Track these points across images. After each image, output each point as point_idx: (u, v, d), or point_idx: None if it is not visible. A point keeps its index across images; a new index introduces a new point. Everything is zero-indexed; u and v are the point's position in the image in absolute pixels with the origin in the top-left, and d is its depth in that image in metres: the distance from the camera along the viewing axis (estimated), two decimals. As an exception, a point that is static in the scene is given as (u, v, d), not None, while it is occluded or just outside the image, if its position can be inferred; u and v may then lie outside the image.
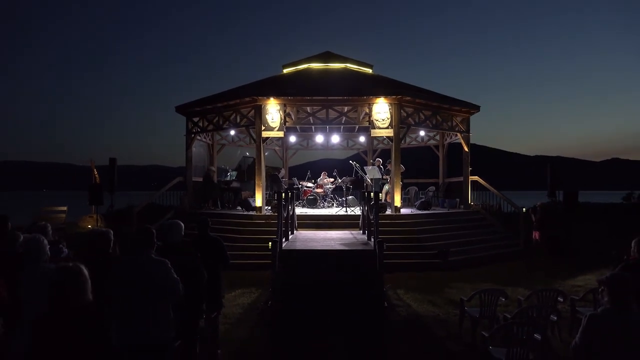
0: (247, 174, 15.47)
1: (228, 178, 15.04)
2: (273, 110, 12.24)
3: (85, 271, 2.73)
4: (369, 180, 13.18)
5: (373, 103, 12.26)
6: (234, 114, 13.35)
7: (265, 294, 7.93)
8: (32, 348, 2.58)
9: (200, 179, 14.82)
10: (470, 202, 14.48)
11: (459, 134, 14.55)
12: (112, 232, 4.29)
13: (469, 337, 5.74)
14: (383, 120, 12.20)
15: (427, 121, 13.36)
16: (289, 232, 8.71)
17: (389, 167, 13.36)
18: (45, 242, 3.59)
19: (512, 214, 14.06)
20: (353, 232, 10.00)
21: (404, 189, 14.14)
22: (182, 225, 4.51)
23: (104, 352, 2.62)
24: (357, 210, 12.28)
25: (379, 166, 13.39)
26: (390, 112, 12.20)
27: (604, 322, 2.89)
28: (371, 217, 7.85)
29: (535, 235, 11.89)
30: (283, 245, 7.24)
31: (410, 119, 12.87)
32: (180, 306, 3.67)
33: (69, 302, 2.61)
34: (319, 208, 13.99)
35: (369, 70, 16.52)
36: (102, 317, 2.70)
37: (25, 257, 3.57)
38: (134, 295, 3.36)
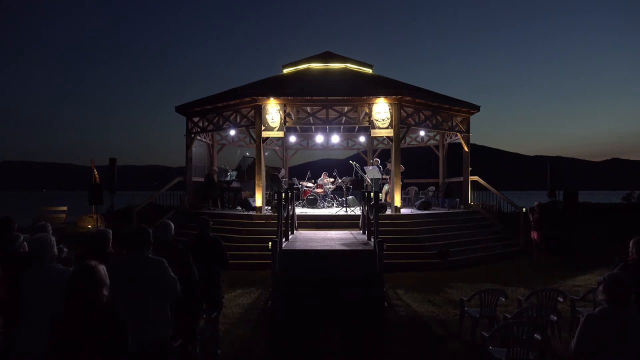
0: (247, 174, 15.48)
1: (228, 178, 15.05)
2: (273, 110, 12.24)
3: (102, 270, 2.74)
4: (369, 180, 13.18)
5: (373, 103, 12.27)
6: (234, 114, 13.36)
7: (265, 294, 7.94)
8: (50, 347, 2.58)
9: (201, 179, 14.84)
10: (470, 202, 14.48)
11: (459, 134, 14.55)
12: (111, 231, 4.30)
13: (469, 337, 5.74)
14: (383, 120, 12.20)
15: (427, 121, 13.37)
16: (289, 232, 8.71)
17: (388, 167, 13.36)
18: (53, 241, 3.57)
19: (512, 214, 14.07)
20: (353, 232, 10.01)
21: (404, 189, 14.14)
22: (172, 225, 4.58)
23: (125, 349, 2.63)
24: (357, 210, 12.28)
25: (377, 165, 13.40)
26: (390, 112, 12.20)
27: (601, 322, 2.89)
28: (371, 217, 7.85)
29: (534, 235, 11.90)
30: (283, 245, 7.25)
31: (410, 119, 12.88)
32: (174, 305, 3.67)
33: (87, 300, 2.61)
34: (319, 208, 13.99)
35: (369, 70, 16.53)
36: (121, 315, 2.71)
37: (28, 256, 3.56)
38: (131, 294, 3.36)
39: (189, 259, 4.28)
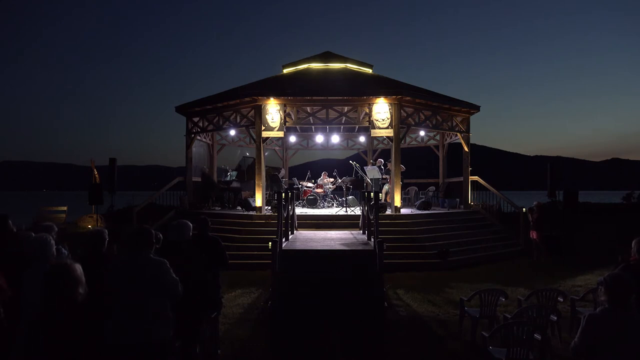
0: (247, 174, 15.49)
1: (228, 178, 15.05)
2: (273, 110, 12.24)
3: (78, 269, 2.74)
4: (369, 180, 13.18)
5: (373, 103, 12.27)
6: (234, 114, 13.36)
7: (265, 294, 7.94)
8: (28, 346, 2.59)
9: (200, 179, 14.87)
10: (470, 202, 14.48)
11: (459, 134, 14.55)
12: (106, 231, 4.31)
13: (469, 337, 5.74)
14: (383, 120, 12.20)
15: (427, 121, 13.37)
16: (289, 232, 8.71)
17: (389, 167, 13.36)
18: (52, 241, 3.57)
19: (512, 214, 14.06)
20: (353, 232, 10.00)
21: (404, 189, 14.14)
22: (190, 225, 4.70)
23: (96, 349, 2.63)
24: (357, 210, 12.28)
25: (379, 166, 13.40)
26: (390, 112, 12.20)
27: (603, 323, 2.89)
28: (371, 217, 7.85)
29: (533, 235, 11.90)
30: (283, 245, 7.24)
31: (410, 119, 12.88)
32: (179, 306, 3.67)
33: (61, 300, 2.62)
34: (319, 208, 13.99)
35: (369, 70, 16.53)
36: (95, 315, 2.71)
37: (29, 256, 3.57)
38: (131, 294, 3.36)
39: (197, 263, 4.29)
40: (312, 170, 16.07)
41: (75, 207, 21.81)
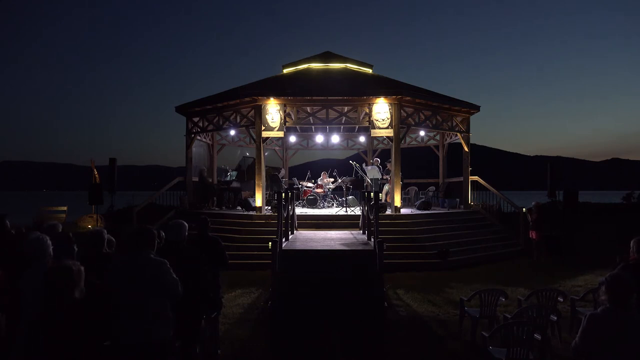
0: (247, 174, 15.49)
1: (228, 178, 15.05)
2: (273, 110, 12.24)
3: (78, 269, 2.75)
4: (369, 180, 13.18)
5: (373, 103, 12.26)
6: (234, 114, 13.36)
7: (265, 294, 7.94)
8: (28, 346, 2.59)
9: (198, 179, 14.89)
10: (470, 202, 14.48)
11: (459, 134, 14.55)
12: (105, 231, 4.31)
13: (469, 337, 5.74)
14: (383, 120, 12.20)
15: (427, 121, 13.37)
16: (289, 232, 8.71)
17: (388, 167, 13.35)
18: (49, 242, 3.57)
19: (512, 214, 14.06)
20: (353, 232, 10.00)
21: (404, 189, 14.13)
22: (186, 225, 4.63)
23: (96, 349, 2.64)
24: (357, 210, 12.28)
25: (377, 165, 13.39)
26: (390, 112, 12.20)
27: (604, 322, 2.89)
28: (371, 217, 7.85)
29: (532, 235, 11.90)
30: (283, 245, 7.24)
31: (410, 119, 12.87)
32: (179, 306, 3.67)
33: (61, 300, 2.63)
34: (319, 208, 13.98)
35: (369, 70, 16.53)
36: (95, 315, 2.71)
37: (28, 256, 3.57)
38: (131, 294, 3.36)
39: (199, 263, 4.28)
40: (312, 170, 16.07)
41: (75, 207, 21.83)
